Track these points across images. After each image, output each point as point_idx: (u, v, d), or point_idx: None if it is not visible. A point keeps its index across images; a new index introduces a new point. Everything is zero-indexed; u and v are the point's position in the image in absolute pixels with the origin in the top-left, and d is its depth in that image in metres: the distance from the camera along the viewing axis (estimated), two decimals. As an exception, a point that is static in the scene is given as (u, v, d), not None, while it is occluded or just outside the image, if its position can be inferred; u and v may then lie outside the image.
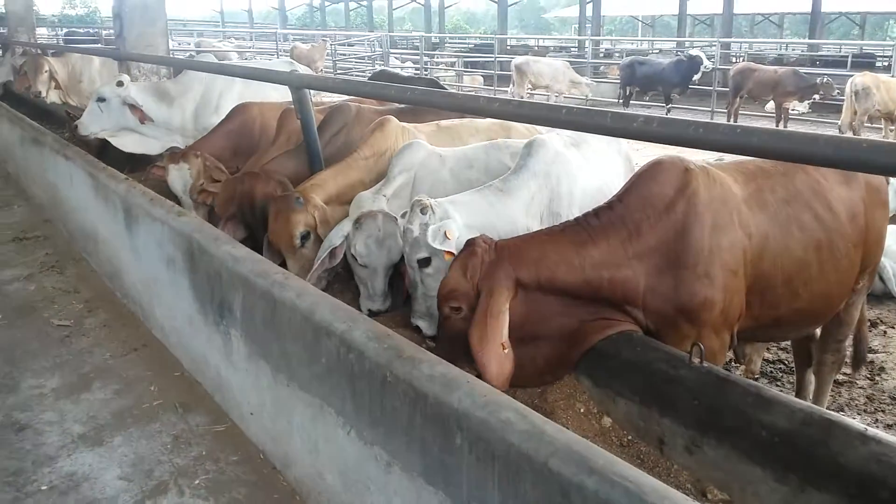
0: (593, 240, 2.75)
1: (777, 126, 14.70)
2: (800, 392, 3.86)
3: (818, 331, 3.68)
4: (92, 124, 6.45)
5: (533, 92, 18.85)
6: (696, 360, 2.41)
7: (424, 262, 3.09)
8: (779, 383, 4.50)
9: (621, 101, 17.99)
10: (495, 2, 37.56)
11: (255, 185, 4.16)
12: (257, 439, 3.40)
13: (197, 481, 3.16)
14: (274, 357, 3.08)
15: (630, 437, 2.66)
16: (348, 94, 4.24)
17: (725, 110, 16.00)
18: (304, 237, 3.85)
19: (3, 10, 14.36)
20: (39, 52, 9.65)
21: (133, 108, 6.42)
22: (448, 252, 2.99)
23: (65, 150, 6.11)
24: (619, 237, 2.76)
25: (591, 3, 35.81)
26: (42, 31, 38.81)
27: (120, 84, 6.49)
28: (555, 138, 3.62)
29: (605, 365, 2.70)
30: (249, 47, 33.74)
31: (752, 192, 2.95)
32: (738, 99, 15.59)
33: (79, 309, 5.01)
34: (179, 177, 4.94)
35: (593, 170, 3.74)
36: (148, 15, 7.05)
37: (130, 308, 4.94)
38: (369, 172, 4.08)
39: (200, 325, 3.77)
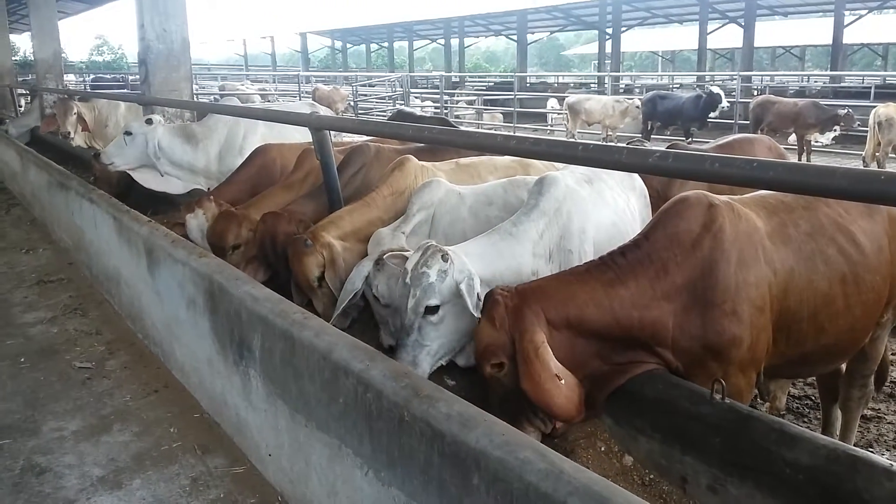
0: (621, 279, 2.71)
1: (799, 159, 14.62)
2: (826, 428, 3.77)
3: (843, 366, 3.61)
4: (115, 156, 6.57)
5: (585, 131, 19.01)
6: (717, 397, 2.36)
7: (433, 310, 3.03)
8: (805, 419, 4.41)
9: (642, 135, 18.01)
10: (515, 41, 38.06)
11: (278, 225, 4.18)
12: (276, 481, 3.37)
13: (215, 524, 3.14)
14: (292, 397, 3.07)
15: (652, 476, 2.60)
16: (366, 134, 4.28)
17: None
18: (320, 278, 3.86)
19: (33, 58, 14.75)
20: (66, 97, 9.87)
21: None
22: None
23: (90, 194, 6.21)
24: (647, 276, 2.72)
25: (609, 40, 36.10)
26: (70, 77, 39.79)
27: (149, 122, 6.60)
28: (567, 175, 3.61)
29: (626, 403, 2.66)
30: (272, 90, 34.36)
31: (776, 227, 2.91)
32: (758, 132, 15.53)
33: (100, 351, 5.04)
34: (196, 225, 5.00)
35: (607, 205, 3.72)
36: (172, 61, 7.21)
37: (152, 350, 4.96)
38: (387, 210, 4.10)
39: (220, 366, 3.78)
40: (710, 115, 16.50)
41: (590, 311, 2.63)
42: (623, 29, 36.37)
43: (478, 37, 50.64)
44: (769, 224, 2.89)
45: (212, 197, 5.26)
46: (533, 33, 42.11)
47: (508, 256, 3.28)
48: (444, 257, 2.98)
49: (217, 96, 29.32)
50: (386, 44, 52.24)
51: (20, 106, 16.72)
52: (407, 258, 3.23)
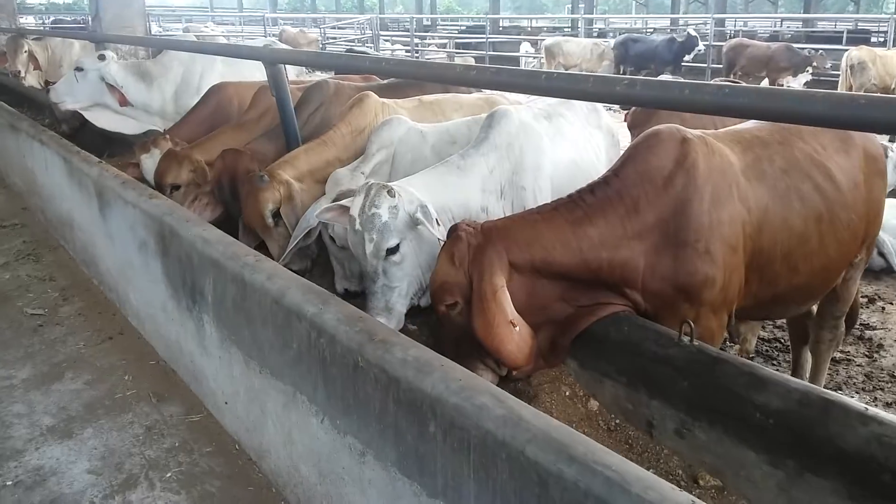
0: (590, 218, 2.57)
1: (771, 102, 14.52)
2: (796, 371, 3.73)
3: (815, 307, 3.54)
4: (65, 94, 6.25)
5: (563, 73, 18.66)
6: (685, 339, 2.26)
7: (393, 250, 2.88)
8: (775, 362, 4.37)
9: (614, 80, 17.80)
10: (487, -18, 37.28)
11: (238, 162, 3.98)
12: (232, 429, 3.26)
13: (169, 474, 3.02)
14: (246, 343, 2.94)
15: (618, 421, 2.52)
16: (321, 68, 4.06)
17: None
18: (276, 215, 3.69)
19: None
20: (16, 35, 9.41)
21: (112, 88, 6.22)
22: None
23: (40, 135, 5.93)
24: (617, 214, 2.58)
25: (583, -18, 35.47)
26: (29, 20, 38.43)
27: (102, 58, 6.27)
28: (522, 109, 3.45)
29: (591, 346, 2.55)
30: (238, 32, 33.42)
31: (750, 163, 2.78)
32: (731, 76, 15.39)
33: (54, 297, 4.86)
34: (151, 165, 4.76)
35: (567, 142, 3.55)
36: (124, -4, 6.86)
37: (107, 295, 4.79)
38: (346, 150, 3.91)
39: (174, 312, 3.63)
40: (684, 58, 16.30)
41: (556, 252, 2.50)
42: (597, -29, 35.74)
43: (450, -22, 49.50)
44: (743, 159, 2.76)
45: (167, 136, 5.03)
46: (506, -25, 41.24)
47: (456, 190, 3.12)
48: (391, 192, 2.83)
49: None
50: (356, -15, 50.89)
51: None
52: (388, 187, 3.08)
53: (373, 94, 4.11)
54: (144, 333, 4.19)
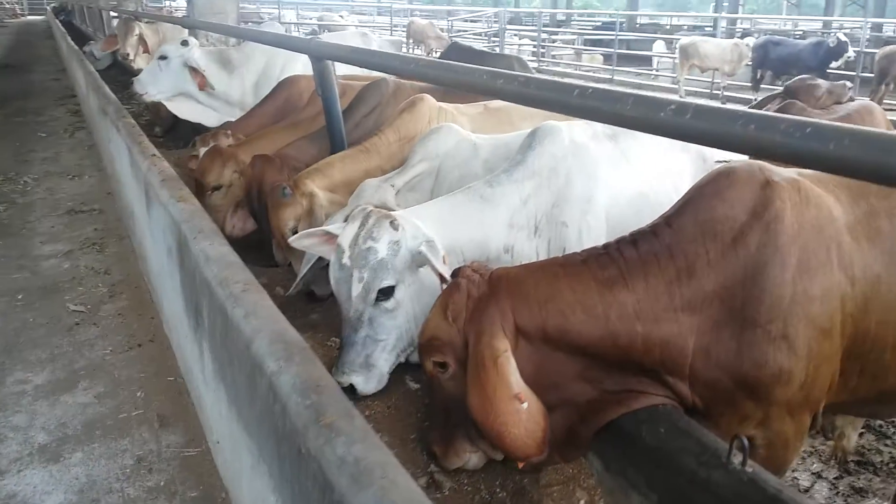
0: (626, 278, 1.99)
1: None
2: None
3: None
4: (149, 84, 6.12)
5: (695, 77, 17.65)
6: (735, 461, 1.66)
7: (386, 293, 2.38)
8: (889, 441, 3.56)
9: (751, 84, 16.51)
10: (626, -23, 35.95)
11: (267, 170, 3.60)
12: (223, 473, 2.90)
13: (140, 520, 2.68)
14: (228, 384, 2.54)
15: (647, 550, 1.93)
16: (358, 65, 3.61)
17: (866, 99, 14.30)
18: (295, 231, 3.28)
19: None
20: (130, 17, 9.52)
21: (194, 71, 6.04)
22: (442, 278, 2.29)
23: (119, 121, 5.82)
24: (664, 277, 1.99)
25: (730, -20, 33.55)
26: (182, 2, 40.28)
27: (185, 44, 6.12)
28: (577, 126, 2.85)
29: (620, 445, 1.97)
30: (371, 22, 33.74)
31: (861, 217, 2.10)
32: (882, 87, 13.87)
33: (102, 293, 4.69)
34: (207, 161, 4.47)
35: (634, 169, 2.92)
36: (218, -20, 6.69)
37: (151, 296, 4.56)
38: (391, 159, 3.44)
39: (187, 328, 3.31)
40: (831, 64, 14.83)
41: (575, 319, 1.92)
42: (746, -32, 33.71)
43: (590, -28, 48.15)
44: (852, 212, 2.09)
45: (229, 131, 4.74)
46: (648, -30, 39.69)
47: (473, 225, 2.58)
48: (394, 224, 2.32)
49: (315, 28, 28.93)
50: (493, -23, 50.40)
51: (111, 27, 16.73)
52: (390, 217, 2.55)
53: (428, 97, 3.62)
54: (171, 343, 3.91)
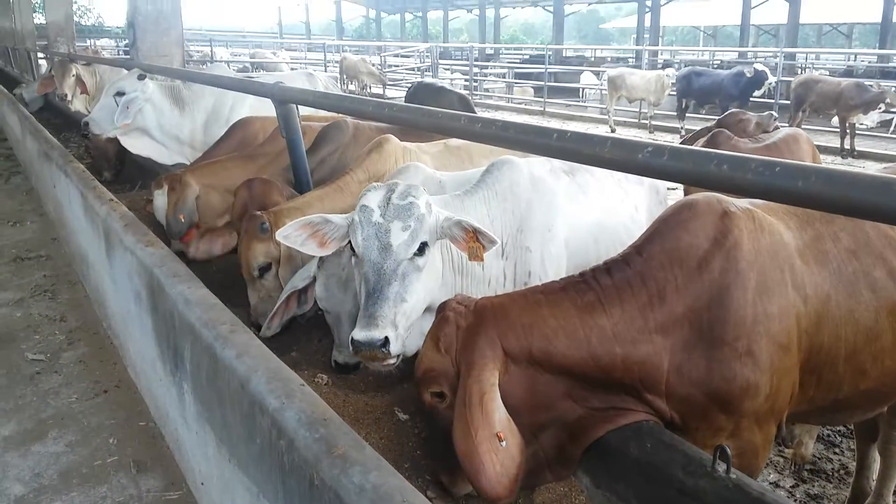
0: (603, 304, 2.14)
1: (842, 142, 13.75)
2: (862, 471, 3.19)
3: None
4: (105, 122, 6.02)
5: (622, 108, 18.30)
6: (719, 469, 1.81)
7: (421, 252, 2.43)
8: (837, 450, 3.81)
9: (677, 114, 17.17)
10: (552, 12, 36.96)
11: (268, 193, 3.62)
12: (208, 514, 2.91)
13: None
14: (217, 424, 2.59)
15: (636, 558, 2.07)
16: (328, 110, 3.73)
17: (787, 125, 15.04)
18: (264, 269, 3.35)
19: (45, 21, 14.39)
20: (66, 59, 9.41)
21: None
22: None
23: (66, 166, 5.76)
24: (637, 302, 2.15)
25: (650, 13, 34.88)
26: (106, 42, 39.64)
27: (141, 77, 6.08)
28: (536, 162, 3.05)
29: (608, 462, 2.11)
30: (303, 58, 33.82)
31: (809, 241, 2.31)
32: (800, 113, 14.63)
33: (59, 341, 4.64)
34: (162, 203, 4.49)
35: (590, 201, 3.13)
36: (162, 24, 6.71)
37: (112, 341, 4.53)
38: (360, 198, 3.55)
39: (161, 373, 3.32)
40: (752, 93, 15.55)
41: (559, 343, 2.07)
42: (663, 2, 35.09)
43: (514, 7, 49.31)
44: (801, 237, 2.30)
45: (182, 174, 4.77)
46: (571, 4, 40.92)
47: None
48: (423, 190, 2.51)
49: (247, 65, 28.85)
50: (421, 13, 51.22)
51: (39, 70, 16.43)
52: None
53: (393, 137, 3.76)
54: (139, 388, 3.90)
